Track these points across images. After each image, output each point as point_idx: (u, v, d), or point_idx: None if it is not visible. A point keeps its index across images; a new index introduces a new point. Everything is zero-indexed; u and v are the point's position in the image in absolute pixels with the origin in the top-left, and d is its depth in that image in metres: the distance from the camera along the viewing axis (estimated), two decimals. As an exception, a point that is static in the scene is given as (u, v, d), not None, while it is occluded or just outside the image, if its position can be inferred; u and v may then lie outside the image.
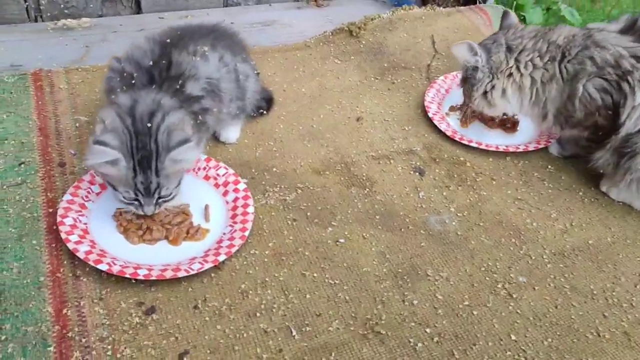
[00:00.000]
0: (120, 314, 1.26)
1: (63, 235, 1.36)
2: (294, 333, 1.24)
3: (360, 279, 1.39)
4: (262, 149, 1.75)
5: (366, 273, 1.41)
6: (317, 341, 1.22)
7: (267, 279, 1.37)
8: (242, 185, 1.55)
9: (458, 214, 1.57)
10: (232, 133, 1.76)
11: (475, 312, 1.31)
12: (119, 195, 1.36)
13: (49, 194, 1.48)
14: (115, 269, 1.31)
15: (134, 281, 1.33)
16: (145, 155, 1.32)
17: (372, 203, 1.60)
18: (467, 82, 1.73)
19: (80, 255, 1.33)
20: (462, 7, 2.43)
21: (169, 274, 1.32)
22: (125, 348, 1.18)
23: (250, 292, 1.34)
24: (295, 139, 1.80)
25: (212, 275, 1.37)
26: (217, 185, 1.57)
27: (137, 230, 1.42)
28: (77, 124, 1.74)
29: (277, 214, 1.54)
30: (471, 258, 1.45)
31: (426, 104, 1.92)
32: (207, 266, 1.35)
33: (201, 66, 1.48)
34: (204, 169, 1.60)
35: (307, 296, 1.34)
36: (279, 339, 1.23)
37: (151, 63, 1.43)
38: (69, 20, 2.22)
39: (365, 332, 1.25)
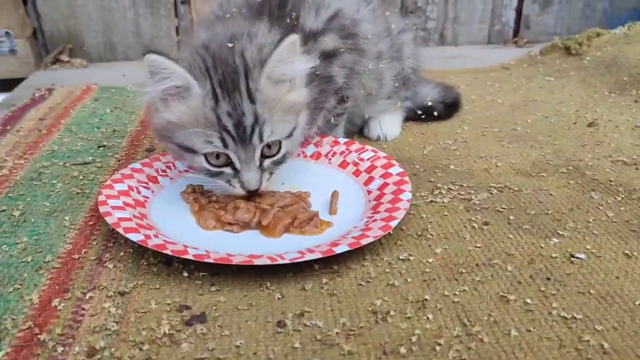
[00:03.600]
0: (143, 319, 0.67)
1: (101, 197, 0.85)
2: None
3: (630, 317, 0.65)
4: (433, 147, 1.14)
5: (642, 310, 0.66)
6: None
7: (427, 297, 0.69)
8: (395, 169, 0.94)
9: None
10: (389, 125, 1.19)
11: None
12: (200, 161, 0.84)
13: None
14: (153, 242, 0.75)
15: (182, 275, 0.74)
16: (228, 72, 0.81)
17: (635, 214, 0.87)
18: None
19: (110, 219, 0.79)
20: None
21: (238, 259, 0.72)
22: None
23: (392, 313, 0.66)
24: (489, 140, 1.18)
25: (324, 281, 0.73)
26: (357, 173, 0.97)
27: (217, 210, 0.86)
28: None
29: (452, 215, 0.88)
30: None
31: None
32: (310, 257, 0.72)
33: None
34: (341, 153, 1.02)
35: (513, 333, 0.63)
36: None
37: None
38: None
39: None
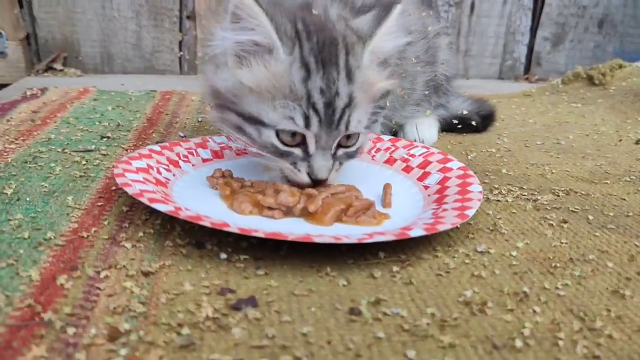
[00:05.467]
0: (176, 301, 0.52)
1: (117, 170, 0.72)
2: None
3: None
4: (476, 154, 1.05)
5: None
6: None
7: (525, 289, 0.56)
8: (455, 164, 0.83)
9: None
10: (426, 129, 1.09)
11: None
12: (269, 136, 0.71)
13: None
14: (185, 214, 0.61)
15: (218, 258, 0.61)
16: (325, 41, 0.70)
17: None
18: None
19: (131, 190, 0.66)
20: None
21: (294, 236, 0.59)
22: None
23: (490, 305, 0.53)
24: (533, 150, 1.09)
25: (394, 269, 0.60)
26: (408, 169, 0.85)
27: (253, 194, 0.73)
28: (200, 119, 1.20)
29: (521, 213, 0.77)
30: None
31: None
32: (380, 238, 0.60)
33: None
34: (387, 150, 0.91)
35: (646, 329, 0.50)
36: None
37: None
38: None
39: None
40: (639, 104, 1.45)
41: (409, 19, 0.86)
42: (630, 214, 0.78)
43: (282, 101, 0.68)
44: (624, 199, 0.84)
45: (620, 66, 1.63)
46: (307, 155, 0.72)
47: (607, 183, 0.91)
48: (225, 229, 0.59)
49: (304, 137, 0.70)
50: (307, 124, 0.69)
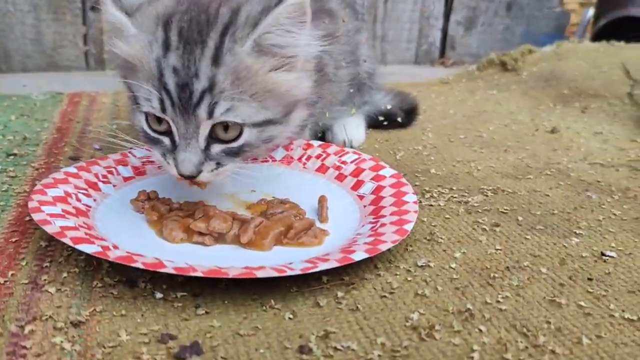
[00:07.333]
0: (114, 355, 0.49)
1: (32, 204, 0.66)
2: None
3: (698, 316, 0.57)
4: (404, 153, 1.05)
5: None
6: None
7: (469, 307, 0.57)
8: (387, 171, 0.82)
9: None
10: (354, 129, 1.08)
11: None
12: (140, 120, 0.68)
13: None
14: (114, 254, 0.57)
15: (154, 297, 0.57)
16: (197, 19, 0.65)
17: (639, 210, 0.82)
18: None
19: (51, 229, 0.61)
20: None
21: (235, 272, 0.56)
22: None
23: (437, 327, 0.54)
24: (458, 145, 1.11)
25: (339, 295, 0.59)
26: (341, 177, 0.84)
27: (182, 219, 0.69)
28: (115, 126, 1.13)
29: (455, 218, 0.78)
30: None
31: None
32: (325, 266, 0.58)
33: None
34: (318, 157, 0.89)
35: (585, 340, 0.52)
36: None
37: None
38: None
39: None
40: (550, 89, 1.51)
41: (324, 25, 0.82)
42: (556, 211, 0.81)
43: (144, 81, 0.64)
44: (548, 195, 0.87)
45: (530, 51, 1.70)
46: (174, 146, 0.67)
47: (530, 178, 0.94)
48: (161, 270, 0.55)
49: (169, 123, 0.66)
50: (162, 108, 0.64)
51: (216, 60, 0.63)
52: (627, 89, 1.47)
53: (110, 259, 0.56)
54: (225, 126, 0.67)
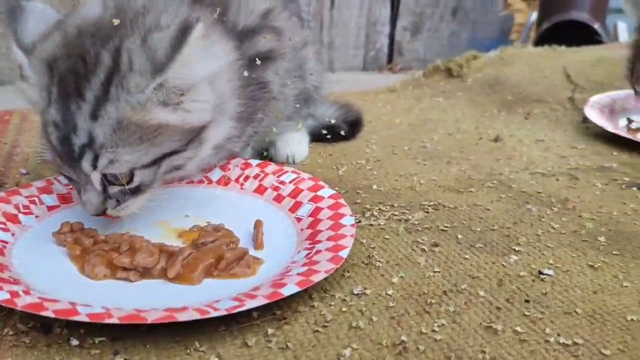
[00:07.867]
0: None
1: None
2: None
3: (630, 336, 0.57)
4: (347, 168, 1.03)
5: (636, 324, 0.58)
6: None
7: (403, 339, 0.55)
8: (326, 191, 0.80)
9: None
10: (297, 145, 1.05)
11: None
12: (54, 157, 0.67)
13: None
14: (24, 301, 0.53)
15: (69, 345, 0.53)
16: (75, 66, 0.62)
17: (578, 223, 0.82)
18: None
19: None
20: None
21: (155, 316, 0.53)
22: None
23: (369, 364, 0.52)
24: (401, 158, 1.09)
25: (269, 332, 0.56)
26: (279, 199, 0.81)
27: (106, 253, 0.65)
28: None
29: (394, 238, 0.76)
30: None
31: (601, 123, 1.22)
32: (252, 304, 0.55)
33: None
34: (256, 177, 0.86)
35: (519, 371, 0.51)
36: None
37: None
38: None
39: None
40: (494, 95, 1.52)
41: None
42: (496, 227, 0.80)
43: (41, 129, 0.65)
44: (489, 209, 0.86)
45: (475, 57, 1.71)
46: (79, 190, 0.67)
47: (472, 191, 0.93)
48: (73, 318, 0.51)
49: None
50: (55, 156, 0.65)
51: (95, 114, 0.61)
52: (568, 93, 1.50)
53: (18, 308, 0.52)
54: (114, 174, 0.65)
